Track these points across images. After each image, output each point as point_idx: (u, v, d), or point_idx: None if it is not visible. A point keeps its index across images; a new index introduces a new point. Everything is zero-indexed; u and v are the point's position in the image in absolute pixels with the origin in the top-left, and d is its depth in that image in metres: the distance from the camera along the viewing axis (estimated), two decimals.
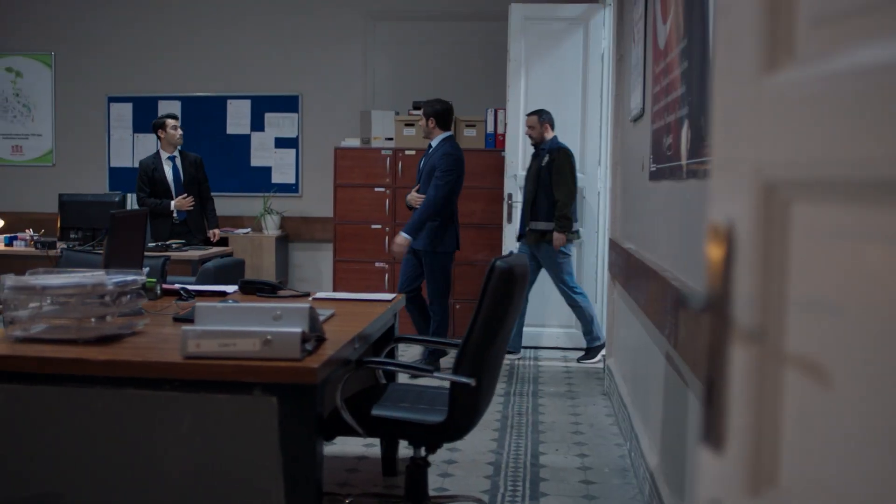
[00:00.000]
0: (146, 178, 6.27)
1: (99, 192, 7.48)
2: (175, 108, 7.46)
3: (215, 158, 7.43)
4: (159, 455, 2.40)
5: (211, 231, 6.49)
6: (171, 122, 6.28)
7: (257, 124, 7.43)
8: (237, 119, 7.44)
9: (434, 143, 5.57)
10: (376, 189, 6.86)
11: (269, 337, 2.33)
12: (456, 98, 6.87)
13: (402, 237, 5.44)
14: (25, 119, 7.72)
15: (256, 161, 7.45)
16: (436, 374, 2.87)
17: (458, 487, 3.59)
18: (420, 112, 5.88)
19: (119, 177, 7.60)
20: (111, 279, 2.52)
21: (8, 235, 6.23)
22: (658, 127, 3.42)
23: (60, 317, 2.52)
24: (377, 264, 6.86)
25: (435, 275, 5.51)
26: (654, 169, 3.54)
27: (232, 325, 2.38)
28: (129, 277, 2.59)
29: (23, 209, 7.64)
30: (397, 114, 6.95)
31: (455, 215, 5.61)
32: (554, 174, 5.77)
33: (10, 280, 2.52)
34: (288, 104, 7.39)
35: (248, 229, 7.30)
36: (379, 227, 6.86)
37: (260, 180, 7.44)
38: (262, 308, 2.45)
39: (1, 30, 7.73)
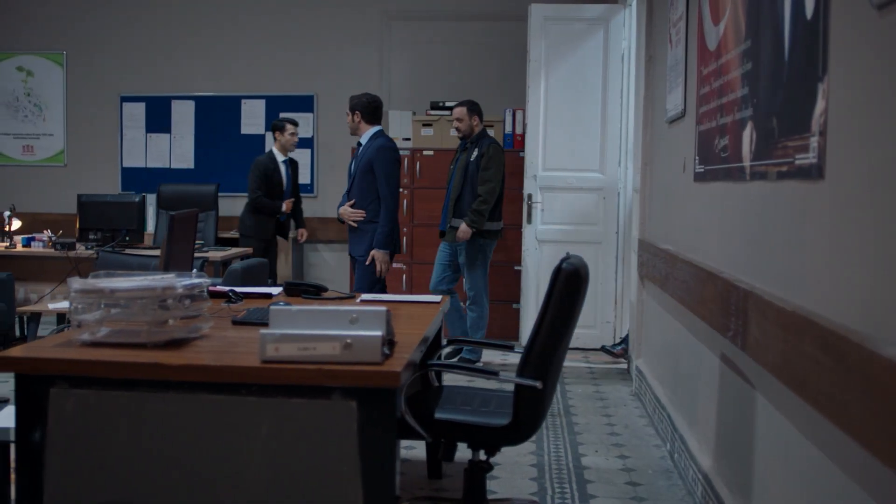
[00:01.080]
0: (264, 178, 6.41)
1: (111, 192, 7.43)
2: (189, 107, 7.42)
3: (229, 158, 7.40)
4: (235, 461, 2.37)
5: (299, 231, 6.83)
6: (291, 127, 6.51)
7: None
8: (252, 119, 7.40)
9: (364, 139, 5.21)
10: None
11: (348, 340, 2.31)
12: (475, 98, 6.86)
13: (380, 254, 5.08)
14: (37, 119, 7.65)
15: None
16: (502, 377, 2.85)
17: (505, 489, 3.58)
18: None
19: (132, 177, 7.55)
20: (181, 282, 2.49)
21: (26, 236, 6.17)
22: (708, 128, 3.41)
23: (129, 320, 2.49)
24: (395, 265, 6.82)
25: (367, 279, 5.14)
26: (702, 170, 3.53)
27: (308, 328, 2.35)
28: (196, 280, 2.56)
29: (35, 209, 7.56)
30: (414, 114, 6.93)
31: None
32: (482, 169, 5.67)
33: (77, 283, 2.49)
34: (303, 104, 7.36)
35: None
36: None
37: None
38: (337, 311, 2.43)
39: (12, 29, 7.66)
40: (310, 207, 7.39)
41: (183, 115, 7.45)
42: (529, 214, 6.40)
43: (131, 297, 2.48)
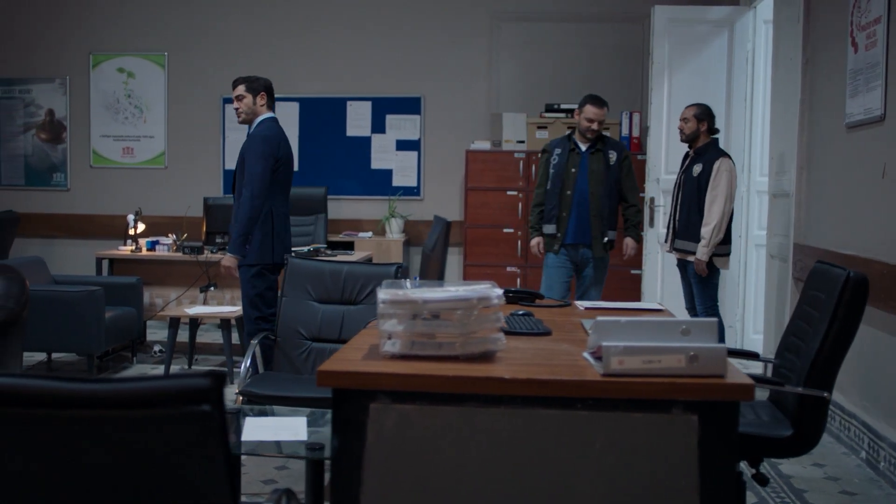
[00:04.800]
0: None
1: (213, 195, 7.36)
2: (293, 108, 7.36)
3: (335, 161, 7.34)
4: (566, 477, 2.31)
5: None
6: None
7: (378, 126, 7.33)
8: (357, 121, 7.34)
9: (253, 127, 4.65)
10: (508, 192, 6.77)
11: (692, 353, 2.25)
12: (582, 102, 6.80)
13: (228, 258, 4.55)
14: (137, 120, 7.59)
15: (377, 163, 7.35)
16: (787, 388, 2.79)
17: None
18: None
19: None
20: (496, 293, 2.43)
21: (150, 240, 6.11)
22: None
23: (441, 331, 2.43)
24: (509, 269, 6.77)
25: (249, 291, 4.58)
26: None
27: (643, 340, 2.29)
28: (495, 290, 2.50)
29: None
30: (528, 117, 6.86)
31: (276, 217, 4.63)
32: (624, 175, 5.36)
33: (386, 293, 2.43)
34: (410, 106, 7.29)
35: (370, 233, 7.20)
36: (511, 230, 6.78)
37: (381, 183, 7.34)
38: (665, 322, 2.37)
39: (114, 30, 7.60)
40: (416, 210, 7.33)
41: (287, 117, 7.37)
42: (651, 218, 6.34)
43: (446, 308, 2.42)
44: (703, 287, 5.06)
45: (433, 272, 2.80)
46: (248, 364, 3.66)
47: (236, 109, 4.68)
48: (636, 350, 2.26)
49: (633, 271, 6.64)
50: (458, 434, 2.34)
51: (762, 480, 2.84)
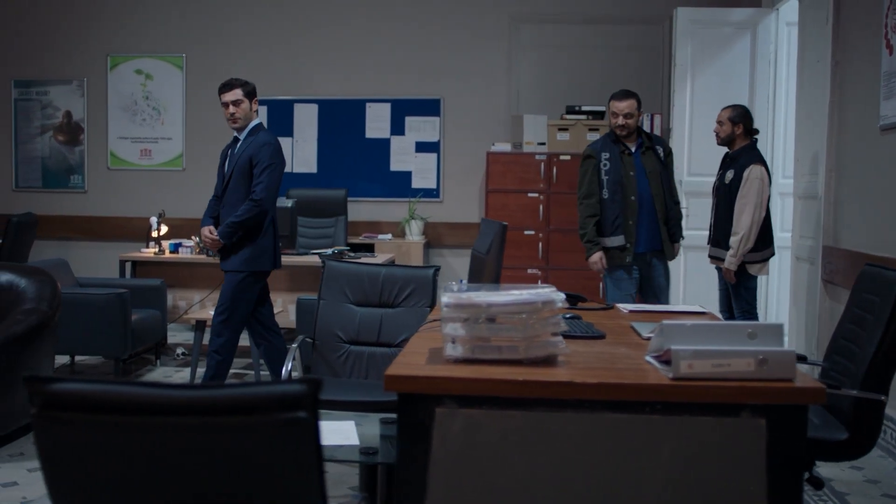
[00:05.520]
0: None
1: None
2: (312, 110, 7.35)
3: (354, 162, 7.34)
4: (635, 481, 2.30)
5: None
6: None
7: (397, 128, 7.32)
8: (376, 123, 7.33)
9: (244, 132, 4.63)
10: (529, 194, 6.77)
11: (762, 356, 2.24)
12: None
13: (217, 240, 4.57)
14: (155, 122, 7.57)
15: (396, 165, 7.34)
16: (843, 391, 2.78)
17: None
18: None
19: None
20: (559, 297, 2.42)
21: (173, 242, 6.09)
22: None
23: (505, 336, 2.42)
24: (529, 271, 6.77)
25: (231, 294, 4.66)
26: None
27: (710, 344, 2.29)
28: (559, 294, 2.49)
29: (154, 214, 7.48)
30: (549, 119, 6.85)
31: (276, 225, 4.70)
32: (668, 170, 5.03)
33: (450, 297, 2.42)
34: (429, 107, 7.28)
35: (389, 235, 7.19)
36: (532, 232, 6.77)
37: (400, 185, 7.33)
38: (731, 326, 2.37)
39: (131, 31, 7.59)
40: (435, 212, 7.32)
41: (306, 119, 7.38)
42: None
43: (511, 311, 2.41)
44: (739, 292, 5.03)
45: (488, 276, 2.79)
46: (289, 368, 3.65)
47: (232, 115, 4.58)
48: (706, 354, 2.26)
49: None
50: (525, 439, 2.33)
51: (818, 484, 2.84)
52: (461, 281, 3.28)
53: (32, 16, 7.66)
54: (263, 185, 4.50)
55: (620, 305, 3.63)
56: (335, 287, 3.95)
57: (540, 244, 6.72)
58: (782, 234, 6.20)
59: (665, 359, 2.35)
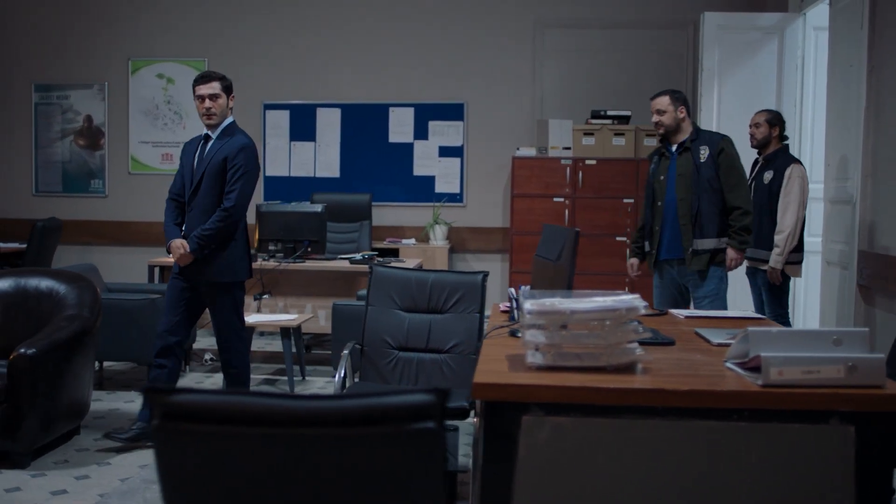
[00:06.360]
0: None
1: (255, 201, 7.34)
2: (335, 115, 7.34)
3: (377, 167, 7.32)
4: (722, 489, 2.30)
5: None
6: None
7: (421, 133, 7.32)
8: (400, 127, 7.32)
9: (217, 131, 4.29)
10: (555, 199, 6.77)
11: (851, 363, 2.24)
12: (634, 107, 6.83)
13: (189, 255, 4.24)
14: (176, 126, 7.56)
15: (419, 170, 7.34)
16: None
17: None
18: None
19: (275, 186, 7.45)
20: (642, 303, 2.42)
21: None
22: None
23: (587, 343, 2.41)
24: None
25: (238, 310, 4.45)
26: None
27: (796, 350, 2.29)
28: (641, 301, 2.49)
29: None
30: (574, 123, 6.85)
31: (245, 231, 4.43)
32: (725, 170, 4.56)
33: (532, 304, 2.41)
34: (452, 112, 7.28)
35: (413, 240, 7.18)
36: None
37: (423, 190, 7.33)
38: (817, 332, 2.36)
39: (153, 35, 7.58)
40: (459, 216, 7.32)
41: (328, 123, 7.36)
42: None
43: (594, 318, 2.40)
44: (773, 295, 5.04)
45: (560, 283, 2.78)
46: (341, 374, 3.64)
47: (209, 109, 4.25)
48: (795, 361, 2.26)
49: None
50: (613, 446, 2.32)
51: None
52: (520, 287, 3.27)
53: (53, 19, 7.65)
54: (237, 193, 4.19)
55: (675, 311, 3.63)
56: (383, 293, 3.94)
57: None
58: (809, 239, 6.21)
59: (751, 365, 2.35)
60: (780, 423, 2.28)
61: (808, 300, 6.27)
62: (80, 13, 7.62)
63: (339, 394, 1.37)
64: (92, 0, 7.61)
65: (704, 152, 4.59)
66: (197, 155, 4.30)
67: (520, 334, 2.97)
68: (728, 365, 2.49)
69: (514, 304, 3.26)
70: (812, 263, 6.07)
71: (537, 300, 2.48)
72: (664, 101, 4.67)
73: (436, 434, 1.58)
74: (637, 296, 2.48)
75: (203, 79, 4.31)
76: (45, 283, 4.44)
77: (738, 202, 4.52)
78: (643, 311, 2.45)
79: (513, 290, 3.29)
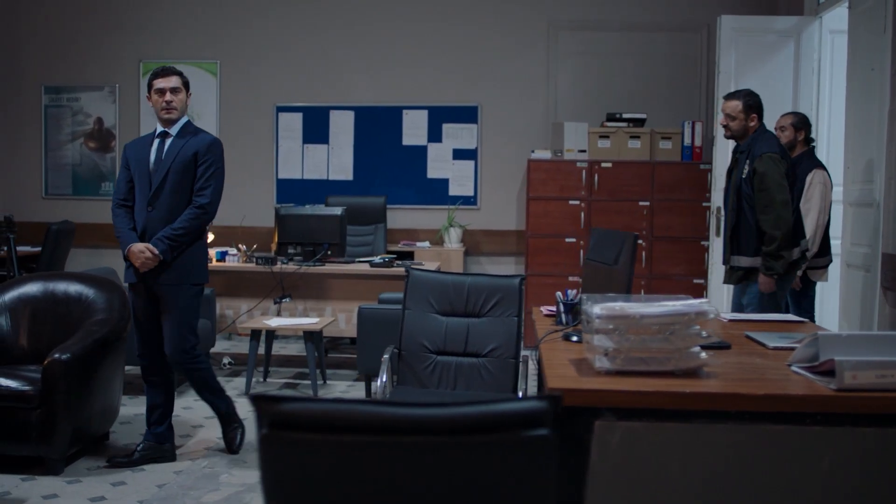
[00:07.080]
0: None
1: (266, 204, 7.33)
2: (348, 117, 7.32)
3: (390, 170, 7.31)
4: (794, 493, 2.30)
5: None
6: None
7: (434, 135, 7.31)
8: (413, 130, 7.31)
9: (176, 128, 4.12)
10: (571, 202, 6.77)
11: None
12: (649, 110, 6.85)
13: (156, 257, 4.03)
14: None
15: (433, 173, 7.33)
16: None
17: None
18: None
19: (288, 189, 7.42)
20: (712, 308, 2.42)
21: (219, 250, 6.05)
22: None
23: (656, 347, 2.42)
24: (571, 278, 6.76)
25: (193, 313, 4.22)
26: None
27: (868, 354, 2.29)
28: (710, 306, 2.49)
29: None
30: (590, 126, 6.86)
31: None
32: (757, 190, 4.35)
33: (601, 308, 2.41)
34: (466, 114, 7.27)
35: (427, 243, 7.17)
36: (573, 240, 6.78)
37: (437, 192, 7.32)
38: (887, 336, 2.37)
39: (165, 37, 7.54)
40: (473, 219, 7.31)
41: (342, 126, 7.35)
42: (718, 227, 6.36)
43: (664, 322, 2.41)
44: (798, 300, 5.04)
45: (617, 287, 2.78)
46: (384, 379, 3.62)
47: (169, 103, 4.07)
48: (869, 364, 2.27)
49: (695, 280, 6.67)
50: (685, 451, 2.33)
51: None
52: (567, 291, 3.27)
53: (63, 21, 7.60)
54: (212, 189, 4.06)
55: (730, 315, 3.64)
56: (420, 296, 3.93)
57: (581, 251, 6.72)
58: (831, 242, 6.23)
59: (821, 369, 2.36)
60: (852, 427, 2.28)
61: (825, 303, 6.29)
62: (91, 14, 7.57)
63: (448, 401, 1.38)
64: (103, 1, 7.56)
65: (746, 168, 4.42)
66: (154, 153, 4.07)
67: (575, 338, 2.98)
68: (794, 369, 2.49)
69: (561, 308, 3.26)
70: (831, 266, 6.09)
71: (607, 305, 2.47)
72: (736, 107, 4.47)
73: (549, 441, 1.58)
74: (706, 300, 2.49)
75: (162, 72, 4.20)
76: (73, 288, 4.41)
77: (765, 226, 4.34)
78: (712, 316, 2.46)
79: (559, 293, 3.29)
